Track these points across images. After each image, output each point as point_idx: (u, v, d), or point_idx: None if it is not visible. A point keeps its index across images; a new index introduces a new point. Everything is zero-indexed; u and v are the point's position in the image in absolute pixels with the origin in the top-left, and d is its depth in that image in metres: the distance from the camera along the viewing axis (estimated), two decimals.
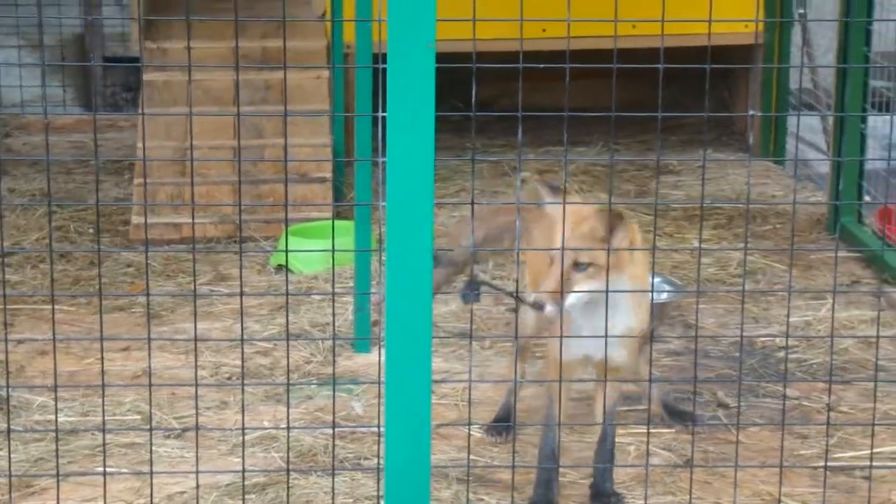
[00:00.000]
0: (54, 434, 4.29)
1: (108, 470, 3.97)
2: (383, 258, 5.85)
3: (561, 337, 3.59)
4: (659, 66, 3.15)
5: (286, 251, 5.77)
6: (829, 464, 3.98)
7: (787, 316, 4.95)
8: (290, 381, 4.69)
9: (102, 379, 3.54)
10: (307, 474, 4.17)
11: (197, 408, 3.52)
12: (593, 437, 4.09)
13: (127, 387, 4.79)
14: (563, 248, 3.64)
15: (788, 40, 7.85)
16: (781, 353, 5.09)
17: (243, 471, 3.52)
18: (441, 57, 2.80)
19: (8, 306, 5.54)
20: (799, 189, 7.30)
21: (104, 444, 3.83)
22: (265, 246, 6.39)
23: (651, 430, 4.41)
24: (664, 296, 5.39)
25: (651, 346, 4.57)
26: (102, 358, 3.57)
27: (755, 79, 8.09)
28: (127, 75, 9.02)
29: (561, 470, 4.04)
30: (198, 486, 3.72)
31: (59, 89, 8.79)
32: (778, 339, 5.19)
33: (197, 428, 3.56)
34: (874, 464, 4.07)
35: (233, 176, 6.57)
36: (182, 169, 6.63)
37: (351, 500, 4.02)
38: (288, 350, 3.66)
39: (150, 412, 4.10)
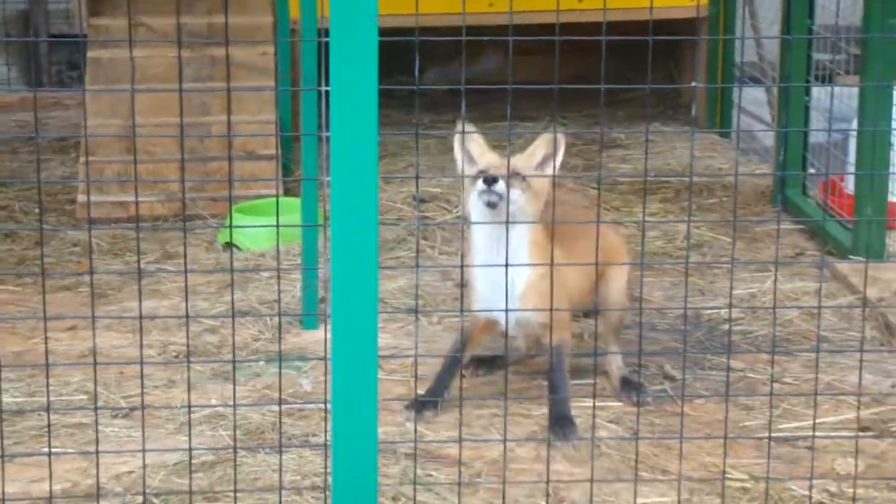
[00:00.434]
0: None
1: (53, 450, 3.97)
2: (329, 234, 5.86)
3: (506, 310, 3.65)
4: (602, 38, 3.16)
5: (230, 227, 5.76)
6: (773, 435, 4.02)
7: (731, 288, 4.98)
8: (238, 359, 4.68)
9: (46, 359, 3.51)
10: (255, 452, 4.17)
11: (143, 387, 3.51)
12: None
13: (73, 366, 4.76)
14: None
15: (734, 13, 7.89)
16: (727, 326, 5.13)
17: (190, 449, 3.52)
18: (387, 31, 2.80)
19: None
20: (744, 162, 7.34)
21: (49, 425, 3.81)
22: (212, 223, 6.36)
23: (598, 404, 4.43)
24: None
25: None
26: (46, 338, 3.55)
27: (701, 52, 8.12)
28: (72, 53, 8.95)
29: None
30: (144, 466, 3.71)
31: (3, 67, 8.71)
32: (723, 312, 5.23)
33: (143, 407, 3.56)
34: (817, 434, 4.11)
35: (179, 153, 6.53)
36: (128, 147, 6.59)
37: (299, 478, 4.02)
38: (234, 327, 3.64)
39: (96, 392, 4.08)
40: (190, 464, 3.60)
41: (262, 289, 5.59)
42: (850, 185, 6.09)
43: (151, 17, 6.84)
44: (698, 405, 4.57)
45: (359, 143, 2.90)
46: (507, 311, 3.90)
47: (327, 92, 2.80)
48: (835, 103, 5.47)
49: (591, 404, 4.09)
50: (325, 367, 3.09)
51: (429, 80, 7.91)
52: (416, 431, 3.66)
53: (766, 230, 6.31)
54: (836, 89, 6.14)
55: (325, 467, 3.70)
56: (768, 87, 7.97)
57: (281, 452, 3.76)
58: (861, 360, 4.18)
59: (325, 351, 3.06)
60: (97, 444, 3.48)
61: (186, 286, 3.21)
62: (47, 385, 3.68)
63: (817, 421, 4.24)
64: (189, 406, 3.58)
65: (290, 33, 6.95)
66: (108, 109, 6.65)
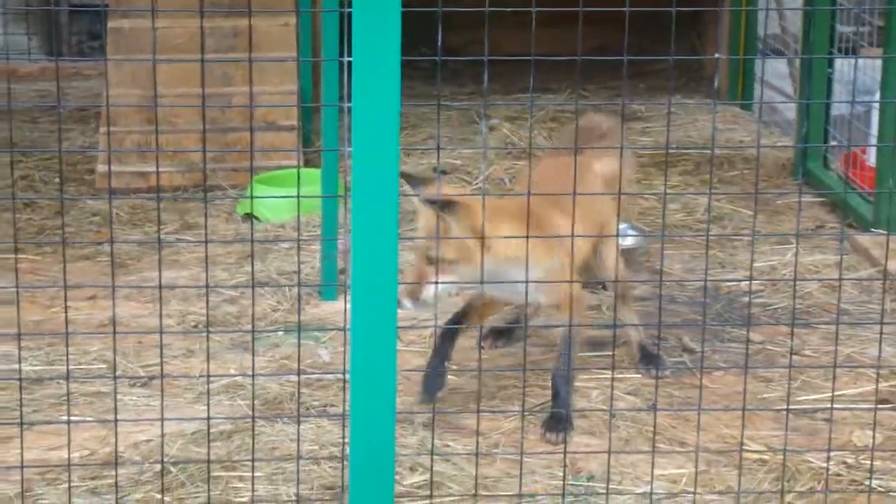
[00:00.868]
0: (14, 383, 4.29)
1: (72, 418, 3.98)
2: (350, 205, 5.86)
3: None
4: (625, 9, 3.15)
5: (251, 198, 5.75)
6: (791, 407, 4.01)
7: (752, 261, 4.97)
8: (257, 329, 4.68)
9: (66, 328, 3.52)
10: (273, 422, 4.18)
11: (162, 356, 3.52)
12: None
13: (92, 335, 4.77)
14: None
15: None
16: (746, 298, 5.12)
17: (209, 418, 3.52)
18: (410, 2, 2.79)
19: None
20: (766, 134, 7.31)
21: (68, 394, 3.82)
22: (232, 194, 6.36)
23: (616, 376, 4.43)
24: (629, 241, 5.41)
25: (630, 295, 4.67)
26: (66, 307, 3.55)
27: (724, 24, 8.07)
28: (93, 23, 8.93)
29: None
30: (163, 435, 3.72)
31: (24, 37, 8.71)
32: (743, 284, 5.21)
33: (162, 376, 3.57)
34: (835, 406, 4.10)
35: (200, 124, 6.52)
36: (149, 117, 6.59)
37: (317, 447, 4.03)
38: (253, 298, 3.65)
39: (115, 361, 4.09)
40: (208, 433, 3.60)
41: (281, 259, 5.59)
42: (871, 157, 6.05)
43: None
44: (717, 377, 4.56)
45: (381, 114, 2.89)
46: (525, 284, 3.85)
47: (349, 63, 2.80)
48: (858, 75, 5.44)
49: (610, 376, 4.09)
50: (345, 338, 3.09)
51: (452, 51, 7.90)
52: (434, 402, 3.66)
53: (787, 203, 6.28)
54: (860, 61, 6.09)
55: (343, 437, 3.71)
56: (791, 59, 7.92)
57: (299, 422, 3.76)
58: (881, 333, 4.16)
59: (345, 321, 3.07)
60: (116, 413, 3.49)
61: (207, 257, 3.21)
62: (67, 354, 3.68)
63: (836, 393, 4.23)
64: (208, 376, 3.59)
65: (311, 3, 6.94)
66: (128, 79, 6.65)
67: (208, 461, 3.62)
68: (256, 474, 3.81)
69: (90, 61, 8.58)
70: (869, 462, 3.84)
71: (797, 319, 4.89)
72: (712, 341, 4.82)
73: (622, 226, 5.41)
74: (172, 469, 3.86)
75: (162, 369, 3.52)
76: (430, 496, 3.53)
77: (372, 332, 3.01)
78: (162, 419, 3.56)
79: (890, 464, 3.97)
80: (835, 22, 6.41)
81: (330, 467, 3.91)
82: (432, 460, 3.55)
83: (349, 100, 2.86)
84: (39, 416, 4.14)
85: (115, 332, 3.56)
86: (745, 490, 3.78)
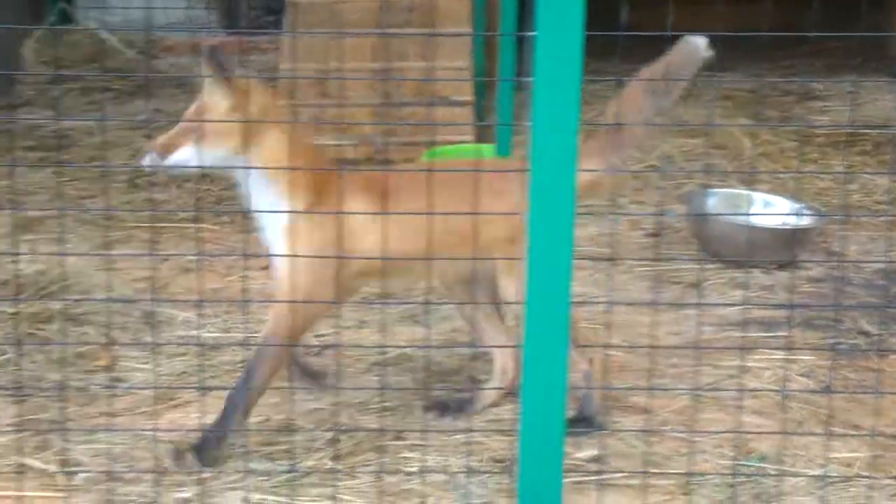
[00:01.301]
0: (197, 349, 4.39)
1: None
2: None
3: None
4: None
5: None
6: None
7: None
8: (428, 302, 4.71)
9: (244, 296, 3.59)
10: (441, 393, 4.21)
11: (338, 327, 3.57)
12: None
13: (268, 304, 4.84)
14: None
15: None
16: None
17: (382, 389, 3.57)
18: None
19: (153, 224, 5.66)
20: None
21: (245, 360, 3.89)
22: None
23: (789, 357, 4.37)
24: (805, 221, 5.32)
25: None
26: (245, 276, 3.62)
27: None
28: None
29: None
30: (338, 403, 3.78)
31: (203, 11, 8.89)
32: None
33: (336, 346, 3.62)
34: None
35: (373, 98, 6.58)
36: (323, 91, 6.67)
37: (484, 421, 4.04)
38: (428, 270, 3.67)
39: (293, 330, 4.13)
40: (382, 403, 3.65)
41: None
42: None
43: None
44: (894, 360, 4.46)
45: (562, 90, 2.89)
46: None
47: (525, 38, 2.80)
48: None
49: (782, 357, 4.03)
50: (518, 312, 3.10)
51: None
52: (605, 378, 3.64)
53: None
54: None
55: (515, 411, 3.72)
56: None
57: (469, 395, 3.78)
58: None
59: (517, 295, 3.07)
60: (290, 381, 3.55)
61: (384, 231, 3.24)
62: (245, 322, 3.75)
63: None
64: (383, 346, 3.63)
65: None
66: (305, 54, 6.73)
67: (381, 430, 3.66)
68: (426, 445, 3.85)
69: (267, 35, 8.70)
70: None
71: None
72: (889, 324, 4.71)
73: (797, 205, 5.33)
74: (342, 437, 3.90)
75: (336, 340, 3.56)
76: (600, 472, 3.52)
77: (545, 306, 3.02)
78: (337, 388, 3.62)
79: None
80: None
81: (498, 440, 3.92)
82: (602, 437, 3.54)
83: (527, 75, 2.86)
84: (216, 382, 4.23)
85: (291, 301, 3.62)
86: None
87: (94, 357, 4.48)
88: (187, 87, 7.62)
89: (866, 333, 4.65)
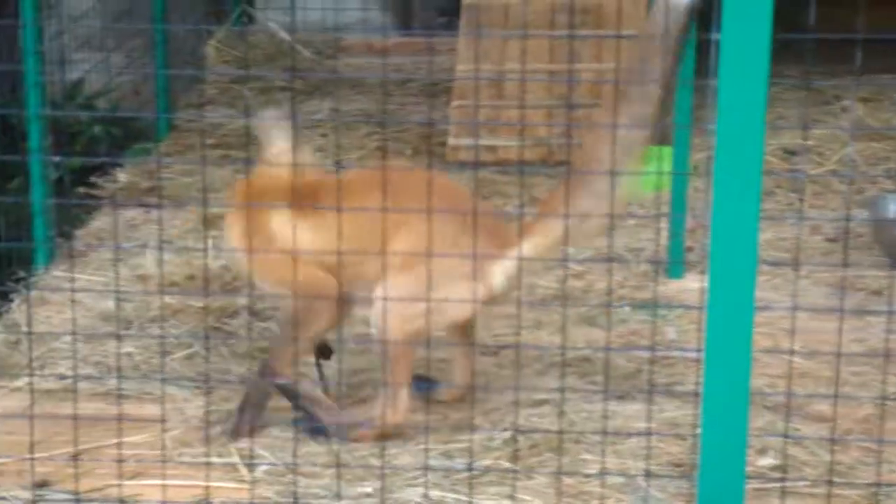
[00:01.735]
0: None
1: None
2: (699, 183, 5.82)
3: None
4: None
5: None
6: None
7: None
8: (608, 304, 4.70)
9: (428, 296, 3.63)
10: (622, 397, 4.19)
11: (519, 327, 3.59)
12: None
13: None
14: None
15: None
16: None
17: (562, 389, 3.58)
18: None
19: None
20: None
21: (429, 359, 3.93)
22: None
23: None
24: None
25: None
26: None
27: None
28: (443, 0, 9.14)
29: None
30: (517, 402, 3.80)
31: (378, 12, 8.98)
32: None
33: (518, 346, 3.64)
34: None
35: (548, 100, 6.60)
36: (498, 92, 6.70)
37: (661, 425, 4.01)
38: (611, 272, 3.67)
39: (475, 330, 4.17)
40: (561, 404, 3.66)
41: (626, 236, 5.60)
42: None
43: None
44: None
45: (748, 92, 2.87)
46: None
47: (705, 40, 2.78)
48: None
49: None
50: (700, 317, 3.08)
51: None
52: (789, 385, 3.60)
53: None
54: None
55: (695, 417, 3.69)
56: None
57: (651, 398, 3.77)
58: None
59: (701, 300, 3.05)
60: (473, 379, 3.57)
61: (568, 229, 3.24)
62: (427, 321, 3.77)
63: None
64: (563, 348, 3.64)
65: None
66: (481, 55, 6.76)
67: (560, 431, 3.67)
68: (604, 447, 3.84)
69: (442, 37, 8.75)
70: None
71: None
72: None
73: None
74: (520, 438, 3.92)
75: (518, 340, 3.58)
76: (783, 479, 3.48)
77: (729, 311, 3.00)
78: (516, 387, 3.64)
79: None
80: None
81: (676, 445, 3.90)
82: (786, 444, 3.50)
83: (708, 77, 2.85)
84: None
85: (473, 301, 3.65)
86: None
87: None
88: (362, 88, 7.73)
89: None
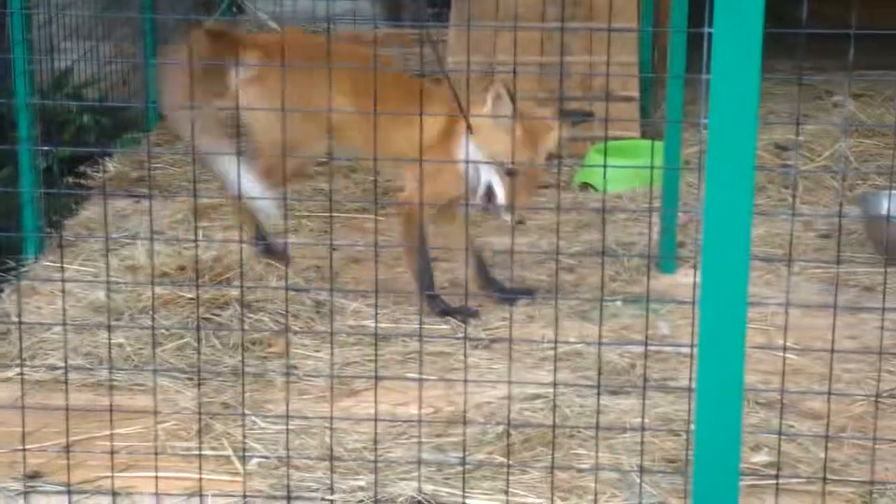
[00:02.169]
0: (367, 338, 4.43)
1: (416, 376, 4.09)
2: (690, 178, 5.81)
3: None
4: None
5: (604, 167, 5.70)
6: None
7: None
8: (598, 298, 4.69)
9: (420, 288, 3.62)
10: (614, 392, 4.19)
11: (511, 320, 3.58)
12: None
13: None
14: None
15: None
16: None
17: (554, 384, 3.58)
18: None
19: (321, 214, 5.73)
20: None
21: (421, 352, 3.92)
22: (568, 163, 6.37)
23: None
24: None
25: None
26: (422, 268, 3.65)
27: None
28: None
29: None
30: (510, 397, 3.79)
31: (369, 3, 8.96)
32: None
33: (510, 340, 3.63)
34: None
35: (539, 93, 6.58)
36: (488, 85, 6.67)
37: (653, 420, 4.01)
38: (603, 266, 3.66)
39: (466, 323, 4.16)
40: (554, 399, 3.65)
41: (618, 231, 5.60)
42: None
43: None
44: None
45: (741, 87, 2.85)
46: None
47: (696, 34, 2.78)
48: None
49: None
50: (693, 312, 3.07)
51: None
52: (783, 381, 3.59)
53: None
54: None
55: (689, 412, 3.68)
56: None
57: (645, 393, 3.76)
58: None
59: (693, 295, 3.04)
60: (465, 374, 3.57)
61: (559, 226, 3.24)
62: (420, 313, 3.77)
63: None
64: (555, 342, 3.63)
65: None
66: (471, 47, 6.75)
67: (553, 426, 3.66)
68: (597, 442, 3.83)
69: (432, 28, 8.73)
70: None
71: None
72: None
73: None
74: (512, 432, 3.91)
75: (511, 333, 3.57)
76: (777, 476, 3.47)
77: (722, 307, 2.99)
78: (510, 381, 3.64)
79: None
80: None
81: (669, 440, 3.89)
82: (780, 440, 3.50)
83: (706, 70, 2.84)
84: (385, 372, 4.27)
85: (466, 294, 3.64)
86: None
87: (267, 343, 4.55)
88: None
89: None
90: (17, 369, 4.28)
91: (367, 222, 5.72)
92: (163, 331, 4.49)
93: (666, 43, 5.18)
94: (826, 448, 3.55)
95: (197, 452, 3.71)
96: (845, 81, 6.85)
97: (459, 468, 3.67)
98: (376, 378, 3.63)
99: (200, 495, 3.60)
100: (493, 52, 6.71)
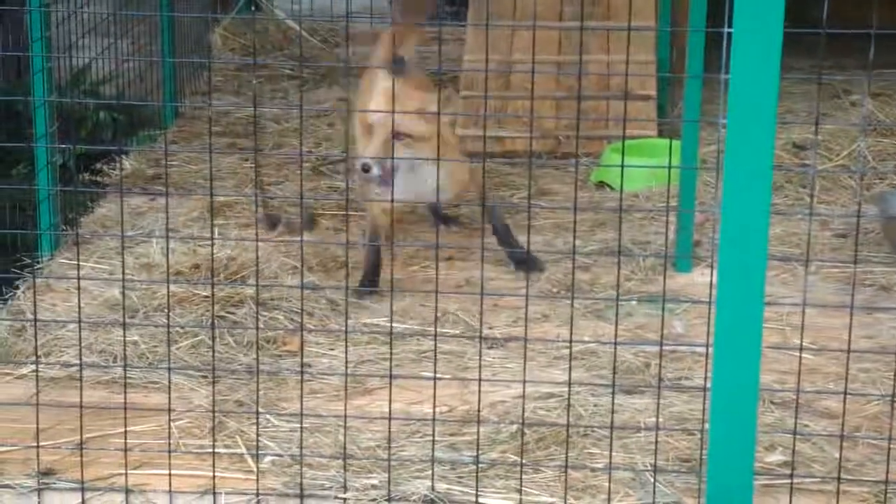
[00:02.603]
0: (381, 337, 4.43)
1: (430, 375, 4.07)
2: (707, 176, 5.78)
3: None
4: None
5: (622, 166, 5.67)
6: None
7: None
8: (612, 298, 4.68)
9: (437, 287, 3.62)
10: (629, 391, 4.18)
11: (526, 319, 3.57)
12: None
13: (449, 294, 4.86)
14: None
15: None
16: None
17: (569, 383, 3.56)
18: None
19: (339, 213, 5.73)
20: None
21: (435, 350, 3.92)
22: (585, 162, 6.37)
23: None
24: None
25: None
26: (437, 267, 3.65)
27: None
28: None
29: None
30: (524, 396, 3.78)
31: (386, 2, 8.95)
32: None
33: (525, 339, 3.62)
34: None
35: (556, 91, 6.57)
36: (505, 83, 6.68)
37: (667, 419, 4.00)
38: (619, 265, 3.65)
39: (481, 322, 4.15)
40: (568, 398, 3.65)
41: (634, 230, 5.58)
42: None
43: None
44: None
45: (760, 86, 2.85)
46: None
47: (715, 33, 2.77)
48: None
49: None
50: (709, 311, 3.06)
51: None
52: (798, 381, 3.57)
53: None
54: None
55: (703, 411, 3.68)
56: None
57: (660, 393, 3.75)
58: None
59: (710, 295, 3.04)
60: (480, 372, 3.56)
61: (575, 224, 3.23)
62: (435, 313, 3.76)
63: None
64: (571, 341, 3.62)
65: None
66: (488, 45, 6.73)
67: (567, 425, 3.65)
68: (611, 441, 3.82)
69: (449, 26, 8.72)
70: None
71: None
72: None
73: None
74: (526, 431, 3.90)
75: (525, 332, 3.57)
76: (791, 475, 3.46)
77: (738, 306, 2.98)
78: (524, 380, 3.63)
79: None
80: None
81: (684, 440, 3.88)
82: (794, 440, 3.49)
83: (725, 70, 2.83)
84: (400, 371, 4.26)
85: (482, 294, 3.63)
86: None
87: (282, 341, 4.55)
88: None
89: None
90: (32, 366, 4.28)
91: None
92: (177, 328, 4.50)
93: (684, 42, 5.15)
94: (841, 448, 3.53)
95: (210, 450, 3.71)
96: (864, 80, 6.82)
97: (473, 467, 3.67)
98: (391, 377, 3.62)
99: (214, 493, 3.60)
100: (510, 50, 6.70)
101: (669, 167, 4.38)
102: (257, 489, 3.62)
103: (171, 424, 3.92)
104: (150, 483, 3.66)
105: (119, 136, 6.58)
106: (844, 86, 7.15)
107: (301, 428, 3.79)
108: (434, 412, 3.64)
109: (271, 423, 3.99)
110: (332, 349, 4.52)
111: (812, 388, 4.14)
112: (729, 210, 2.92)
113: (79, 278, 3.92)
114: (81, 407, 3.58)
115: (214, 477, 3.61)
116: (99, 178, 6.23)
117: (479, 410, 3.75)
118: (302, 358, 4.19)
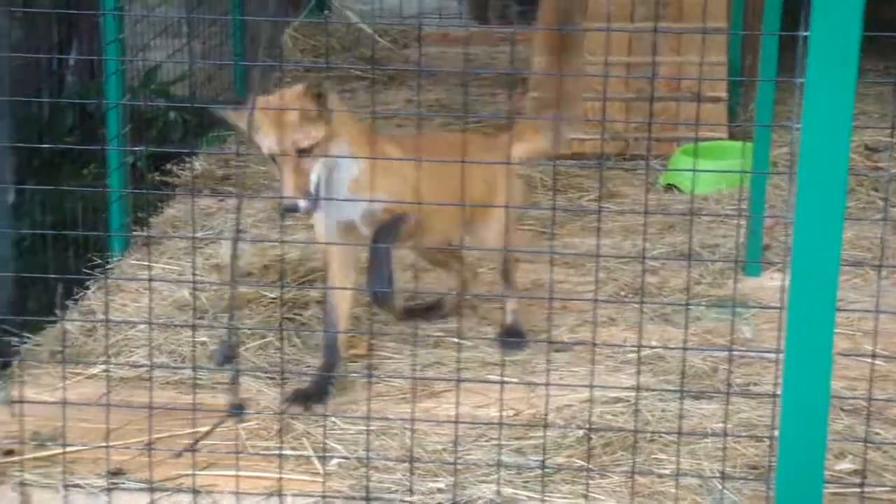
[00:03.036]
0: (448, 340, 4.42)
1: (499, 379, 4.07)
2: (777, 179, 5.72)
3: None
4: None
5: (693, 170, 5.63)
6: None
7: None
8: (684, 302, 4.65)
9: (506, 290, 3.60)
10: (697, 397, 4.14)
11: (595, 323, 3.56)
12: None
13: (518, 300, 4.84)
14: None
15: None
16: None
17: (637, 388, 3.55)
18: None
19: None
20: None
21: (503, 358, 3.91)
22: (655, 165, 6.33)
23: None
24: None
25: None
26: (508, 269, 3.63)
27: None
28: None
29: None
30: (591, 401, 3.76)
31: (455, 2, 8.96)
32: None
33: (594, 343, 3.61)
34: None
35: (626, 93, 6.54)
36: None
37: (735, 426, 3.96)
38: (689, 269, 3.62)
39: (549, 327, 4.14)
40: (636, 403, 3.62)
41: (703, 233, 5.54)
42: None
43: None
44: None
45: (836, 92, 2.83)
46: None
47: (787, 36, 2.74)
48: None
49: None
50: (780, 316, 3.03)
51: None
52: (871, 388, 3.53)
53: None
54: None
55: (772, 417, 3.64)
56: None
57: (728, 399, 3.72)
58: None
59: (782, 300, 3.01)
60: (547, 376, 3.55)
61: (646, 227, 3.21)
62: (504, 316, 3.75)
63: None
64: (639, 346, 3.60)
65: None
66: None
67: (634, 430, 3.63)
68: (679, 447, 3.79)
69: (517, 28, 8.71)
70: None
71: None
72: None
73: None
74: (592, 436, 3.88)
75: (593, 336, 3.55)
76: (862, 484, 3.42)
77: (810, 311, 2.96)
78: (591, 385, 3.61)
79: None
80: None
81: (752, 446, 3.85)
82: (866, 448, 3.45)
83: (800, 74, 2.80)
84: (468, 375, 4.25)
85: (550, 298, 3.62)
86: None
87: (349, 345, 4.55)
88: (437, 78, 7.70)
89: None
90: (103, 366, 4.32)
91: None
92: (246, 330, 4.52)
93: (757, 44, 5.11)
94: None
95: (278, 452, 3.72)
96: None
97: (539, 471, 3.66)
98: (458, 380, 3.62)
99: (280, 495, 3.61)
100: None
101: (742, 172, 4.33)
102: (323, 491, 3.63)
103: (239, 426, 3.93)
104: (217, 484, 3.68)
105: (189, 136, 6.62)
106: None
107: (368, 430, 3.80)
108: (501, 416, 3.63)
109: (338, 426, 3.99)
110: (398, 352, 4.52)
111: (883, 395, 4.09)
112: (802, 214, 2.90)
113: (150, 279, 3.95)
114: (151, 407, 3.60)
115: (281, 479, 3.62)
116: (168, 179, 6.27)
117: (545, 414, 3.74)
118: (370, 360, 4.20)
